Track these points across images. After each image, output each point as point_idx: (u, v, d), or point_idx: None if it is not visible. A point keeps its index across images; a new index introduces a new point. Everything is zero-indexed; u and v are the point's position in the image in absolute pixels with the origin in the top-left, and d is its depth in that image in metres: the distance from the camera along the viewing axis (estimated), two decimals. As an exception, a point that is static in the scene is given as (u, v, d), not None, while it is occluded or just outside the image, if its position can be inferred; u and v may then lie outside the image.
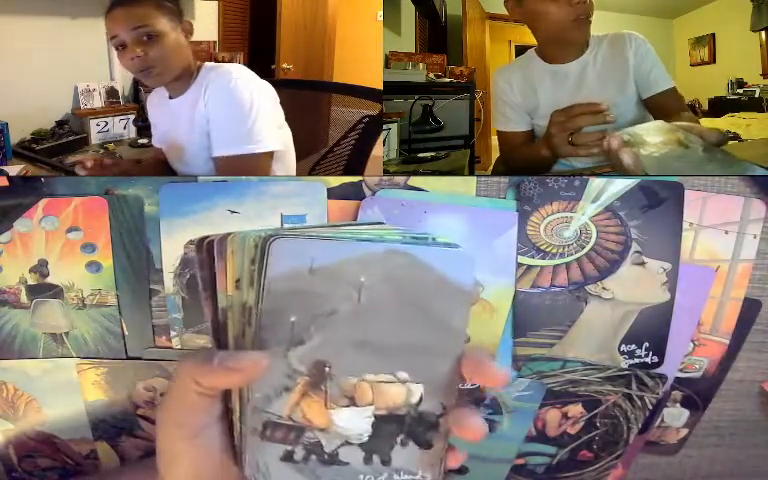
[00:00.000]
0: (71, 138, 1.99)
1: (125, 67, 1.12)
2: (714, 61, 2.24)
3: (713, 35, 2.23)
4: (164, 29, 1.10)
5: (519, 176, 0.81)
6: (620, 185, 0.80)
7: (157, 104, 1.24)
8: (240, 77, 1.09)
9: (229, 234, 0.53)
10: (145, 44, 1.08)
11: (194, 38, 1.17)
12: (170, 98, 1.18)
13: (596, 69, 1.16)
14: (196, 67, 1.16)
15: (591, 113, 0.99)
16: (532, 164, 1.16)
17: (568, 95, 1.14)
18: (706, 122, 2.01)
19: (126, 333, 0.84)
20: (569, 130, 0.99)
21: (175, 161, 1.19)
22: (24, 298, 0.82)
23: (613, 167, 0.90)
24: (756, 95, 2.12)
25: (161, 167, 1.25)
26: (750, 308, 0.87)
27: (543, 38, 1.19)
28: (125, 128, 2.17)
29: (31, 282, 0.82)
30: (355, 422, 0.51)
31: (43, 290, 0.82)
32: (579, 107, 1.01)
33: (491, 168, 1.55)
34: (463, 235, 0.79)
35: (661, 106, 1.13)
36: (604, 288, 0.83)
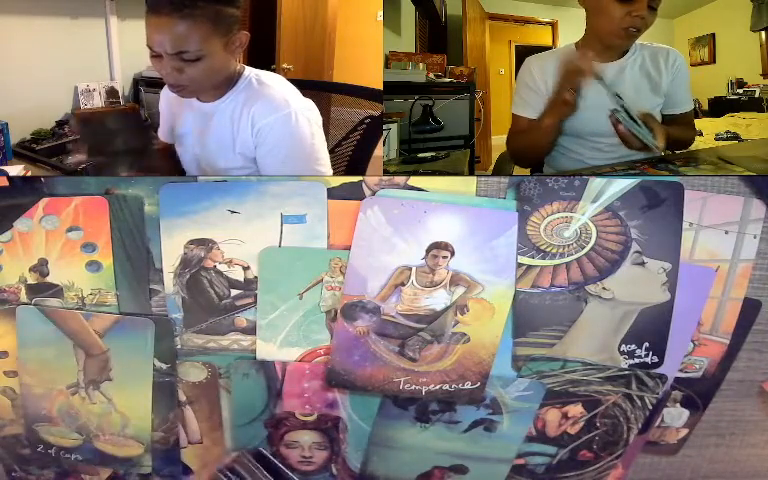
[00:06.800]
0: (71, 138, 1.98)
1: (155, 69, 1.01)
2: (714, 61, 2.24)
3: (713, 35, 2.23)
4: (211, 50, 0.99)
5: (519, 176, 0.81)
6: (620, 185, 0.80)
7: (176, 101, 1.15)
8: (298, 109, 1.03)
9: None
10: (185, 63, 0.98)
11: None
12: (198, 99, 1.10)
13: (633, 73, 1.20)
14: (237, 73, 1.07)
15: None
16: (534, 142, 1.21)
17: (602, 92, 1.16)
18: (706, 122, 2.02)
19: (126, 333, 0.84)
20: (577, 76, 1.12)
21: (192, 166, 1.15)
22: (24, 297, 0.82)
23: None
24: (756, 95, 2.12)
25: (165, 158, 1.23)
26: (750, 308, 0.87)
27: (591, 30, 1.21)
28: (125, 128, 2.17)
29: (31, 281, 0.82)
30: None
31: (43, 289, 0.82)
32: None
33: (491, 168, 1.56)
34: (463, 235, 0.79)
35: (674, 122, 1.20)
36: (604, 288, 0.83)
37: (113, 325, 0.83)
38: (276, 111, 1.03)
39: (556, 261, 0.82)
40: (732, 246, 0.84)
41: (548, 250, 0.81)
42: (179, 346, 0.85)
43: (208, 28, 0.97)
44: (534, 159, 1.26)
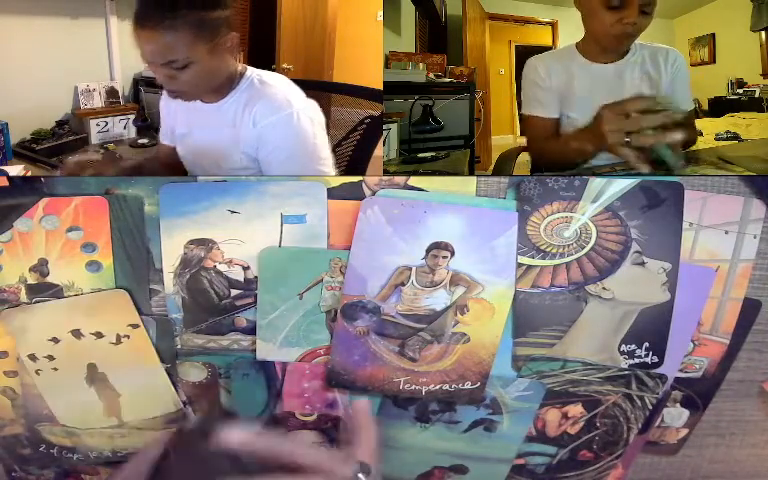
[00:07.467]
0: (71, 138, 1.99)
1: (155, 76, 1.04)
2: (714, 61, 2.25)
3: (713, 35, 2.23)
4: (198, 56, 1.01)
5: (519, 176, 0.81)
6: (620, 185, 0.80)
7: (176, 102, 1.17)
8: (299, 109, 1.04)
9: None
10: (176, 71, 1.00)
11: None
12: (200, 100, 1.12)
13: (633, 75, 1.20)
14: (238, 74, 1.09)
15: (645, 107, 0.97)
16: (567, 157, 1.15)
17: (603, 94, 1.16)
18: (706, 122, 2.02)
19: (126, 333, 0.84)
20: (626, 128, 0.98)
21: (195, 167, 1.16)
22: (24, 297, 0.82)
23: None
24: (756, 95, 2.12)
25: (165, 167, 1.24)
26: (750, 308, 0.87)
27: (588, 34, 1.21)
28: (125, 128, 2.18)
29: (31, 281, 0.82)
30: None
31: (43, 289, 0.82)
32: (632, 102, 0.99)
33: (491, 168, 1.56)
34: (463, 235, 0.79)
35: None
36: (604, 288, 0.83)
37: (113, 325, 0.83)
38: (278, 111, 1.03)
39: (556, 261, 0.82)
40: (732, 246, 0.84)
41: (548, 250, 0.81)
42: (179, 346, 0.85)
43: (192, 35, 0.98)
44: (562, 168, 1.22)
